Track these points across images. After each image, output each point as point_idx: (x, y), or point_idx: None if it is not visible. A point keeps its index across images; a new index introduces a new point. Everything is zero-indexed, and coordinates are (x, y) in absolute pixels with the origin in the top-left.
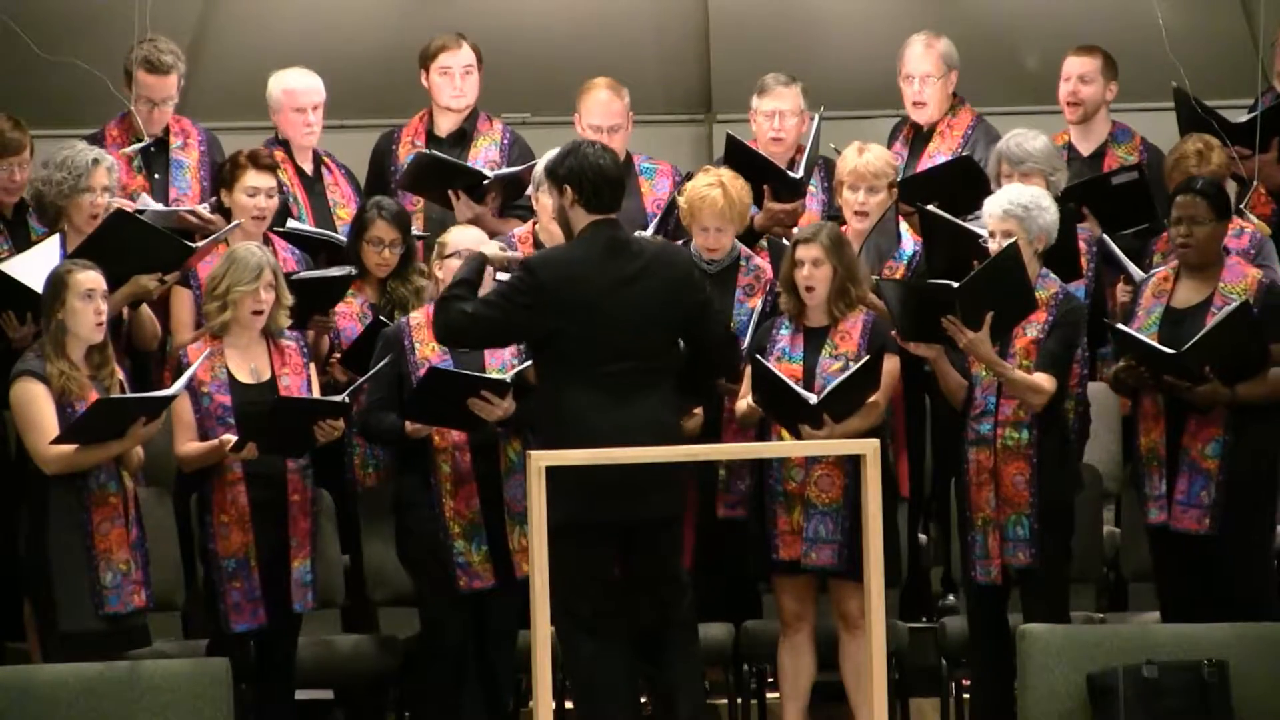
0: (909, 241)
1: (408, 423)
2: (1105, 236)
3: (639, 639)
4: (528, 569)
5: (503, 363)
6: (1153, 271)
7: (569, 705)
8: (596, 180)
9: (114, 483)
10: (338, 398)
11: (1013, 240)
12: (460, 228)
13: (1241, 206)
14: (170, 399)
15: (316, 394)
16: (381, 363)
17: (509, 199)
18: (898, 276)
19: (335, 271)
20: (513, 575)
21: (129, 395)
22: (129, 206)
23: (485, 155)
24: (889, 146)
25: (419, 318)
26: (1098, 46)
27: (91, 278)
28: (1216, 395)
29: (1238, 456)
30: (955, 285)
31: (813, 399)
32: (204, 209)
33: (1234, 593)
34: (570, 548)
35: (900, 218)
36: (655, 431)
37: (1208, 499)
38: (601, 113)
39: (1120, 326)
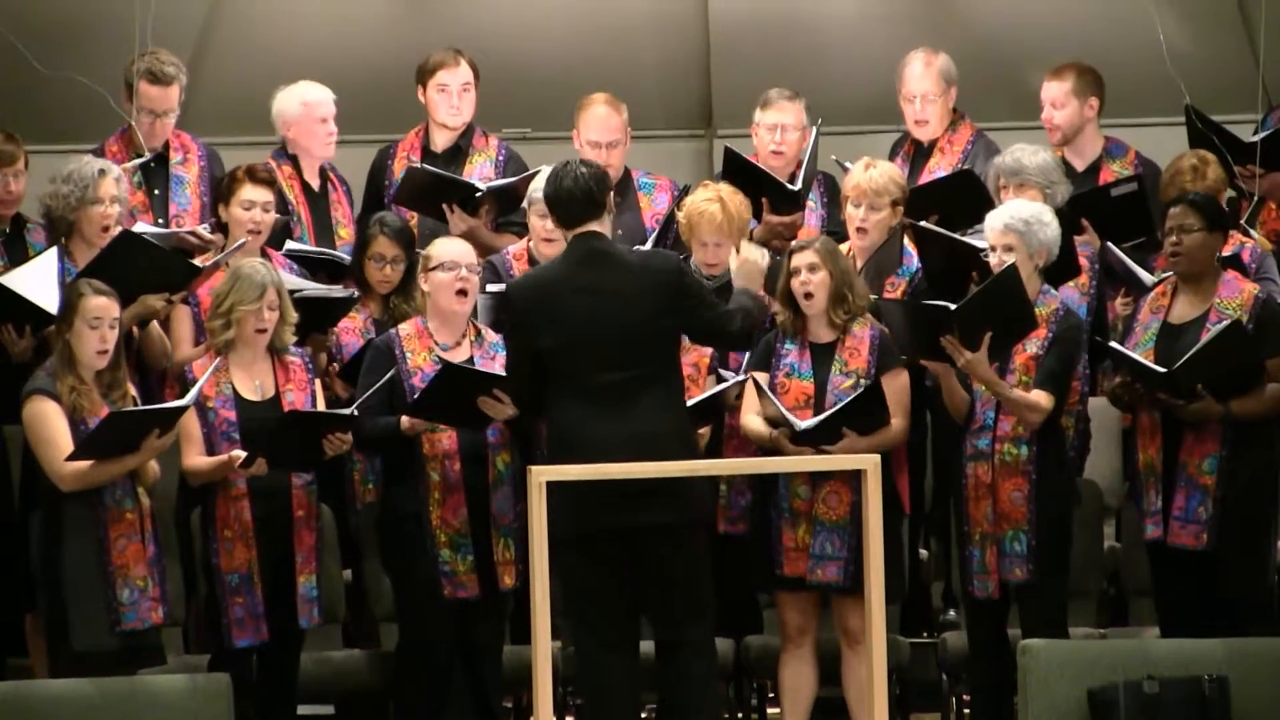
0: (913, 258)
1: (404, 419)
2: (1110, 244)
3: (656, 652)
4: (511, 582)
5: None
6: (1159, 274)
7: None
8: (558, 196)
9: (130, 499)
10: (346, 410)
11: (1011, 263)
12: (444, 241)
13: (1243, 222)
14: (183, 410)
15: (322, 408)
16: (387, 374)
17: (503, 212)
18: (899, 293)
19: (339, 292)
20: (497, 587)
21: (141, 408)
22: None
23: (480, 171)
24: (889, 161)
25: (408, 328)
26: (1070, 66)
27: (100, 304)
28: (1208, 411)
29: (1235, 472)
30: (952, 307)
31: (799, 424)
32: (204, 229)
33: (1231, 608)
34: (567, 557)
35: (905, 235)
36: (647, 441)
37: (1205, 515)
38: (599, 128)
39: (1113, 345)
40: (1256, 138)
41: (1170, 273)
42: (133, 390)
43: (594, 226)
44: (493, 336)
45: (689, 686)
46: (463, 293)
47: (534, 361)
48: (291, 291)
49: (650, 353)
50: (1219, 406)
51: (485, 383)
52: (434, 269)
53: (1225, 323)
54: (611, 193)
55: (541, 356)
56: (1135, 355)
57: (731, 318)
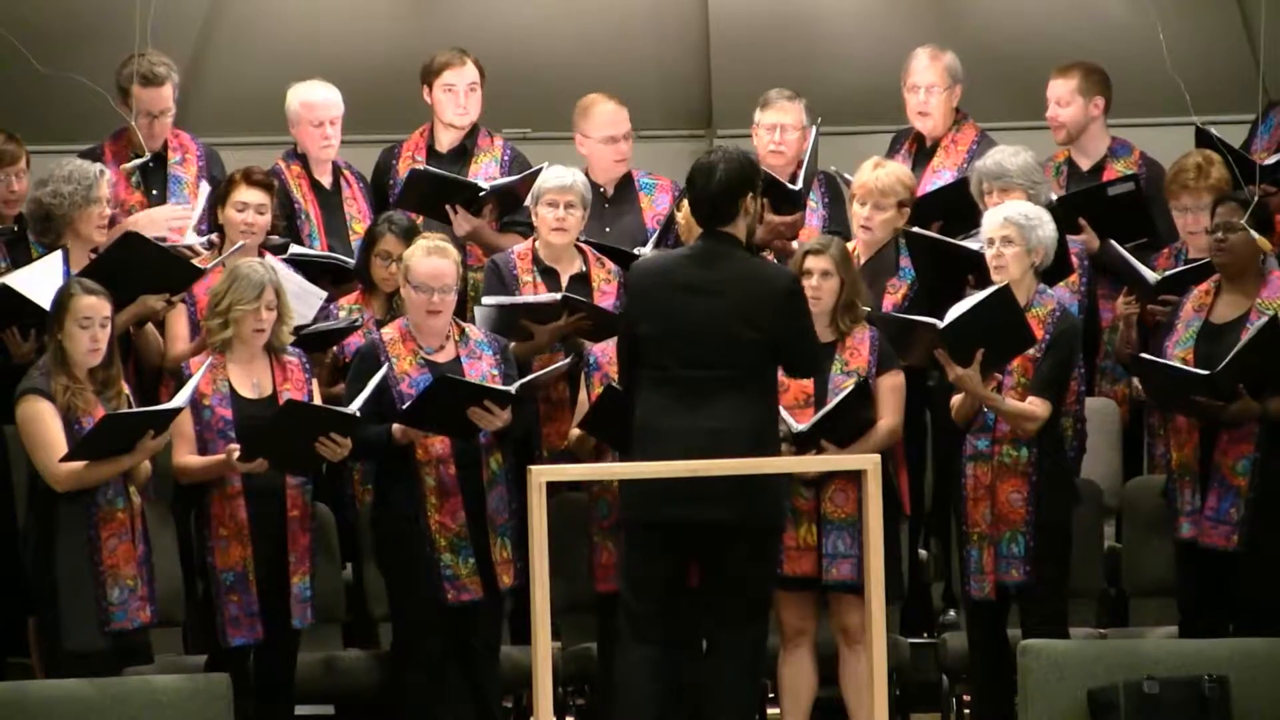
0: None
1: (396, 426)
2: (1113, 242)
3: (703, 650)
4: (510, 581)
5: (482, 375)
6: (1161, 272)
7: None
8: (691, 198)
9: (121, 499)
10: (347, 409)
11: (1005, 283)
12: (421, 258)
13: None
14: (177, 411)
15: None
16: (374, 380)
17: (505, 211)
18: (900, 296)
19: (342, 323)
20: (496, 588)
21: (136, 409)
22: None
23: (485, 171)
24: (889, 156)
25: (391, 331)
26: (1077, 65)
27: (90, 304)
28: (1247, 411)
29: (1268, 473)
30: (940, 324)
31: (796, 426)
32: (199, 244)
33: (1259, 609)
34: (625, 543)
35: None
36: (714, 438)
37: (1237, 515)
38: (611, 122)
39: (1146, 356)
40: (1273, 160)
41: (1169, 272)
42: (126, 389)
43: (725, 229)
44: (477, 335)
45: (718, 688)
46: (435, 313)
47: (632, 344)
48: (298, 328)
49: (737, 357)
50: (1258, 406)
51: (477, 394)
52: (410, 285)
53: (1262, 321)
54: (749, 197)
55: (638, 342)
56: (1174, 362)
57: (809, 349)
